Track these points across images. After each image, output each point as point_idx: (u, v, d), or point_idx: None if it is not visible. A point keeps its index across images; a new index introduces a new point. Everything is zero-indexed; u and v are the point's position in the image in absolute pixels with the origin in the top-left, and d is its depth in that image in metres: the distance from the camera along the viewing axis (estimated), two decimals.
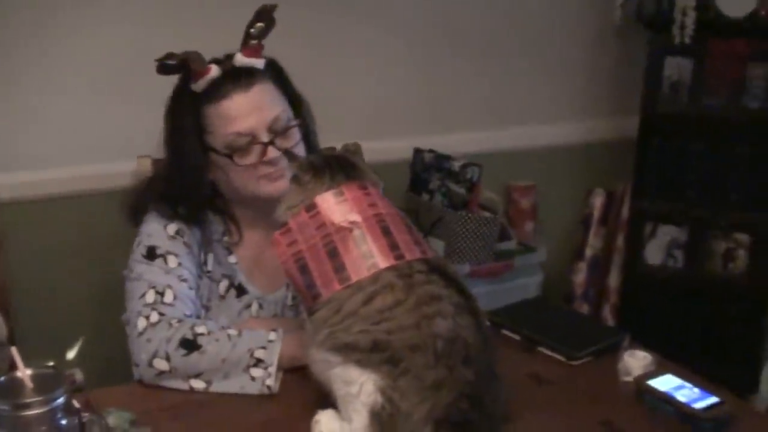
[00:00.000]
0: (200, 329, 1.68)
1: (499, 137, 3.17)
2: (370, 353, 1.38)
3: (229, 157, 1.78)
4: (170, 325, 1.69)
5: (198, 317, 1.79)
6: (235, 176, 1.81)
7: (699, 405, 1.56)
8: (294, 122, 1.84)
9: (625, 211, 3.31)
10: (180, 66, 1.80)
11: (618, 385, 1.70)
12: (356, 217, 1.50)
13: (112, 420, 1.45)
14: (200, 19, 2.60)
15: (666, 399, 1.59)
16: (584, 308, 3.37)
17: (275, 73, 1.87)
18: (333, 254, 1.48)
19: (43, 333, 2.50)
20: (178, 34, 2.55)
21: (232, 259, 1.89)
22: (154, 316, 1.70)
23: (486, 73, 3.14)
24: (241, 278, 1.89)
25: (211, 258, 1.87)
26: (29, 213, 2.49)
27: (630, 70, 3.27)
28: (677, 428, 1.55)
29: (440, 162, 2.87)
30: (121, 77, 2.52)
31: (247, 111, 1.78)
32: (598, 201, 3.37)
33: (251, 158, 1.78)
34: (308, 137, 1.92)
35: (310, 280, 1.49)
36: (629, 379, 1.69)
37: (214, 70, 1.79)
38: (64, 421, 1.24)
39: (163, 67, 1.79)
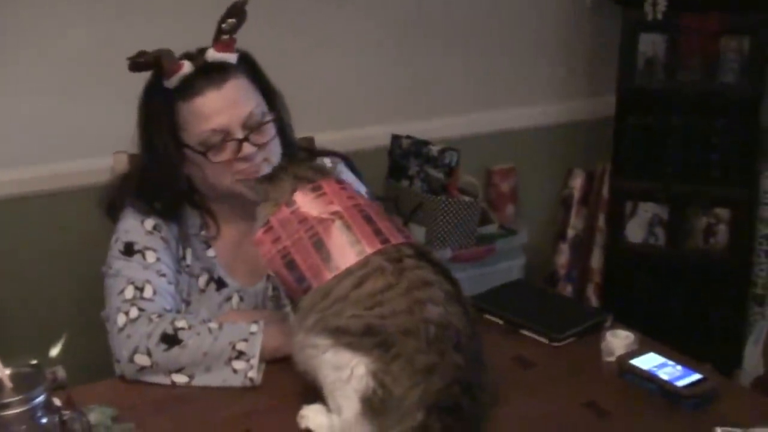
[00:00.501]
0: (180, 323, 1.67)
1: (476, 121, 3.17)
2: (361, 337, 1.37)
3: (204, 154, 1.76)
4: (150, 320, 1.68)
5: (178, 311, 1.78)
6: (210, 172, 1.79)
7: (682, 382, 1.57)
8: (269, 117, 1.82)
9: (605, 191, 3.31)
10: (152, 63, 1.77)
11: (601, 364, 1.70)
12: (337, 208, 1.51)
13: (94, 416, 1.45)
14: (171, 13, 2.58)
15: (649, 377, 1.60)
16: (568, 289, 3.38)
17: (248, 67, 1.84)
18: (319, 245, 1.48)
19: (24, 331, 2.49)
20: (150, 30, 2.54)
21: (210, 252, 1.88)
22: (134, 312, 1.69)
23: (461, 57, 3.13)
24: (221, 271, 1.88)
25: (189, 252, 1.86)
26: (4, 212, 2.47)
27: (605, 48, 3.27)
28: (661, 406, 1.56)
29: (418, 148, 2.86)
30: (94, 73, 2.50)
31: (221, 108, 1.75)
32: (577, 181, 3.37)
33: (226, 155, 1.76)
34: (284, 131, 1.90)
35: (299, 274, 1.49)
36: (612, 359, 1.69)
37: (186, 66, 1.76)
38: (44, 420, 1.24)
39: (135, 64, 1.77)
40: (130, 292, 1.72)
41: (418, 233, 2.81)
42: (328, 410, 1.44)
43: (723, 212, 3.20)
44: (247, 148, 1.75)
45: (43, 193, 2.51)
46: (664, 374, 1.60)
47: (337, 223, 1.49)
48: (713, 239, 3.21)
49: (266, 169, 1.73)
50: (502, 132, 3.24)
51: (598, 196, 3.35)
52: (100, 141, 2.25)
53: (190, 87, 1.76)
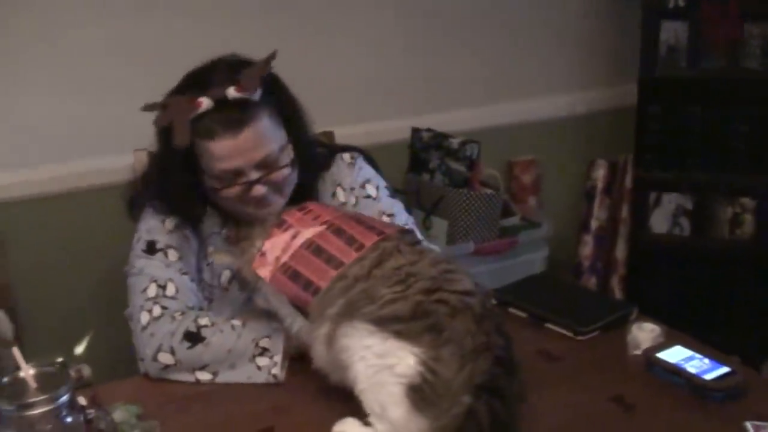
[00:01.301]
0: (203, 321, 1.67)
1: (497, 113, 3.15)
2: (410, 322, 1.36)
3: (215, 188, 1.74)
4: (173, 318, 1.68)
5: (201, 309, 1.78)
6: (222, 200, 1.78)
7: (710, 376, 1.55)
8: (286, 162, 1.75)
9: (628, 181, 3.29)
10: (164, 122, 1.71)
11: (627, 358, 1.69)
12: (326, 218, 1.58)
13: (119, 414, 1.45)
14: (189, 11, 2.58)
15: (676, 371, 1.58)
16: (592, 281, 3.36)
17: (272, 98, 1.76)
18: (318, 251, 1.52)
19: (49, 330, 2.50)
20: (168, 26, 2.55)
21: (224, 232, 1.86)
22: (157, 310, 1.70)
23: (481, 48, 3.11)
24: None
25: (211, 250, 1.85)
26: (28, 212, 2.48)
27: (626, 37, 3.24)
28: (688, 400, 1.54)
29: (439, 140, 2.85)
30: (114, 72, 2.50)
31: (233, 154, 1.69)
32: (600, 172, 3.35)
33: (236, 191, 1.73)
34: (303, 150, 1.83)
35: (305, 279, 1.51)
36: (638, 352, 1.68)
37: (205, 104, 1.67)
38: (69, 419, 1.24)
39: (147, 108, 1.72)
40: (153, 291, 1.73)
41: (440, 227, 2.80)
42: (364, 422, 1.42)
43: (748, 201, 3.17)
44: (259, 190, 1.72)
45: (66, 191, 2.52)
46: (691, 367, 1.58)
47: (330, 229, 1.54)
48: (739, 229, 3.18)
49: (278, 202, 1.75)
50: (523, 123, 3.22)
51: (621, 186, 3.32)
52: (121, 139, 2.25)
53: (205, 127, 1.69)
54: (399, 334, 1.35)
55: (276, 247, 1.56)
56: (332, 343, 1.45)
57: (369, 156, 2.03)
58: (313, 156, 1.90)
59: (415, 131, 2.93)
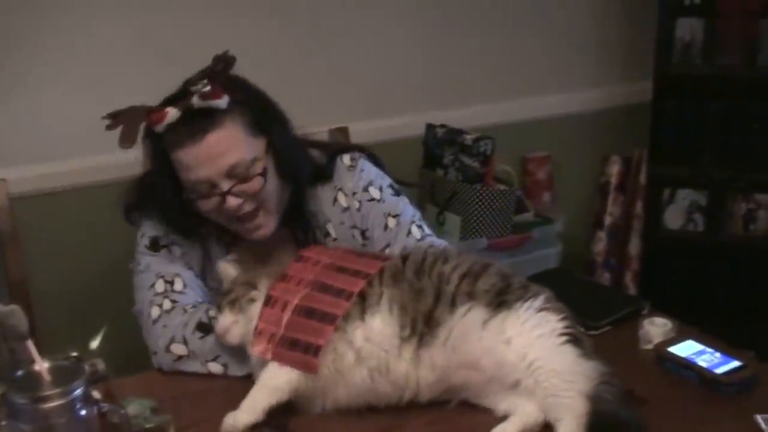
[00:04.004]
0: (215, 313, 1.68)
1: (511, 109, 3.15)
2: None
3: (192, 200, 1.73)
4: (185, 310, 1.70)
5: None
6: (207, 215, 1.76)
7: (721, 370, 1.56)
8: (258, 170, 1.71)
9: (642, 177, 3.28)
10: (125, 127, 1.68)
11: (639, 352, 1.70)
12: (327, 260, 1.60)
13: (133, 408, 1.46)
14: (201, 7, 2.59)
15: (687, 365, 1.58)
16: (605, 277, 3.36)
17: (241, 106, 1.72)
18: (324, 289, 1.54)
19: (64, 325, 2.51)
20: (181, 23, 2.55)
21: (230, 257, 1.85)
22: (167, 303, 1.71)
23: (495, 44, 3.11)
24: None
25: (212, 254, 1.85)
26: (43, 206, 2.49)
27: (641, 33, 3.23)
28: (700, 394, 1.54)
29: (453, 136, 2.85)
30: (126, 67, 2.51)
31: (200, 161, 1.67)
32: (614, 168, 3.34)
33: (212, 203, 1.72)
34: (283, 158, 1.78)
35: (320, 312, 1.52)
36: (650, 346, 1.68)
37: (171, 114, 1.66)
38: (83, 412, 1.25)
39: (110, 127, 1.69)
40: (161, 286, 1.74)
41: (454, 222, 2.80)
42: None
43: (763, 198, 3.15)
44: (232, 201, 1.70)
45: (81, 186, 2.53)
46: (702, 362, 1.58)
47: (315, 289, 1.55)
48: (753, 225, 3.17)
49: (266, 220, 1.75)
50: (537, 119, 3.22)
51: (635, 182, 3.32)
52: None
53: (174, 136, 1.68)
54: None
55: (270, 324, 1.54)
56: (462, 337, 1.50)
57: (371, 153, 1.98)
58: (299, 168, 1.83)
59: (430, 127, 2.93)
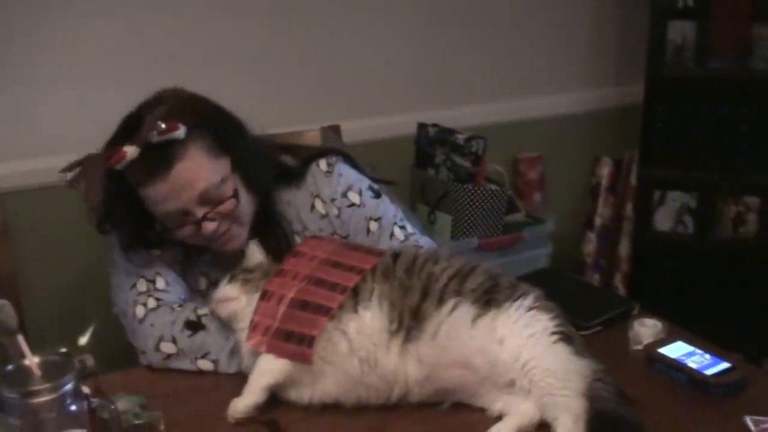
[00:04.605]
0: (203, 311, 1.69)
1: (503, 109, 3.15)
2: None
3: (167, 230, 1.70)
4: (172, 309, 1.70)
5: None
6: (183, 239, 1.74)
7: (710, 371, 1.56)
8: (230, 194, 1.69)
9: (633, 179, 3.29)
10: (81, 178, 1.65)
11: (629, 353, 1.70)
12: (322, 256, 1.60)
13: (122, 404, 1.46)
14: (202, 3, 2.58)
15: (677, 366, 1.59)
16: (595, 278, 3.36)
17: (200, 128, 1.66)
18: (320, 283, 1.55)
19: (53, 320, 2.50)
20: (173, 20, 2.55)
21: (206, 257, 1.85)
22: (152, 302, 1.71)
23: (488, 45, 3.11)
24: (217, 273, 1.81)
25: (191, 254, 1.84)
26: (33, 201, 2.48)
27: (633, 35, 3.24)
28: (689, 395, 1.55)
29: (444, 136, 2.85)
30: (120, 65, 2.50)
31: (170, 194, 1.64)
32: (605, 169, 3.35)
33: (188, 231, 1.69)
34: (249, 173, 1.75)
35: (315, 305, 1.52)
36: (640, 347, 1.68)
37: (130, 153, 1.61)
38: (73, 407, 1.25)
39: (71, 183, 1.66)
40: (143, 285, 1.74)
41: (445, 222, 2.80)
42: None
43: (752, 200, 3.17)
44: (208, 227, 1.67)
45: None
46: (692, 363, 1.58)
47: (311, 282, 1.55)
48: (742, 228, 3.18)
49: (239, 233, 1.73)
50: (528, 120, 3.22)
51: (625, 184, 3.33)
52: None
53: (138, 175, 1.64)
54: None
55: (265, 317, 1.54)
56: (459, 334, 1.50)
57: (346, 154, 1.95)
58: (264, 178, 1.80)
59: (422, 126, 2.93)
